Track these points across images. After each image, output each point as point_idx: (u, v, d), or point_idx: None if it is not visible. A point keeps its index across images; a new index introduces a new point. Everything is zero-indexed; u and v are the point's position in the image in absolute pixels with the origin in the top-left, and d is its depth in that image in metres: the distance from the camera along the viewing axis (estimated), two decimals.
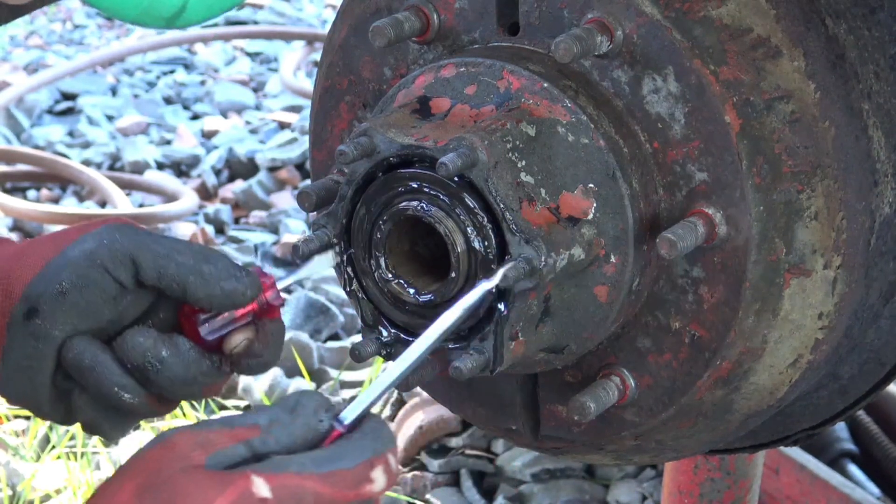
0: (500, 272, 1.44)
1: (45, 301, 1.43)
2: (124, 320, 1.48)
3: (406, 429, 3.34)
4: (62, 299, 1.43)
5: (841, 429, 3.16)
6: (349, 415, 1.29)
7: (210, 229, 4.63)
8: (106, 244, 1.43)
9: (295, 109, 5.65)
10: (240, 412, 1.38)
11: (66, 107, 5.73)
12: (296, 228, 4.57)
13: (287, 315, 3.88)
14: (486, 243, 1.50)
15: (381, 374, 1.37)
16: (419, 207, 1.51)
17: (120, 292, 1.45)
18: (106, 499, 1.22)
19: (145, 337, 1.43)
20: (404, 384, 1.53)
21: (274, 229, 4.64)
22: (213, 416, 3.37)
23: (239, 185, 4.97)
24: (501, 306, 1.50)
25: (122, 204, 4.64)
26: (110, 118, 5.61)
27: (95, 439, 3.26)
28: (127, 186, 4.87)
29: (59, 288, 1.43)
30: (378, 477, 1.26)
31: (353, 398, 1.37)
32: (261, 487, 1.20)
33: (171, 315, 1.49)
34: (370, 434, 1.28)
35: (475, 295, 1.44)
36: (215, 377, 1.47)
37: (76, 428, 3.22)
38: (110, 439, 1.53)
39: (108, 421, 1.49)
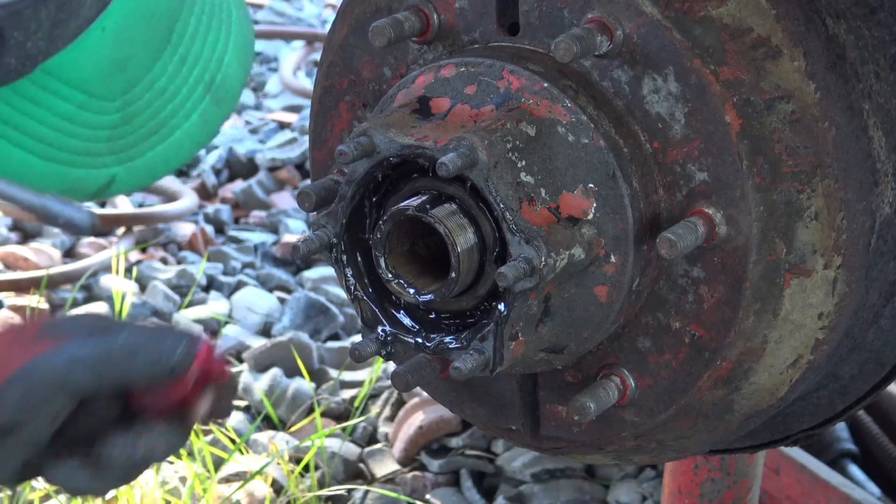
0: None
1: None
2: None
3: (406, 429, 3.34)
4: (6, 442, 1.44)
5: (841, 429, 3.16)
6: None
7: (210, 229, 4.63)
8: (36, 383, 1.43)
9: (295, 109, 5.65)
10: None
11: None
12: (296, 228, 4.57)
13: (287, 315, 3.88)
14: (486, 243, 1.51)
15: None
16: (419, 207, 1.51)
17: (60, 416, 1.45)
18: None
19: (118, 445, 1.45)
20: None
21: (274, 229, 4.64)
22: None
23: (239, 184, 4.97)
24: (501, 306, 1.50)
25: (122, 204, 4.64)
26: None
27: None
28: None
29: (3, 429, 1.43)
30: None
31: None
32: None
33: (106, 403, 1.50)
34: None
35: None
36: (186, 436, 1.49)
37: None
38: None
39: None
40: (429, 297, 1.53)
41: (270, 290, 4.11)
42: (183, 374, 1.45)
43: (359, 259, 1.59)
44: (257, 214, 4.77)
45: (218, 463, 3.20)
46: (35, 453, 1.45)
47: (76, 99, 1.33)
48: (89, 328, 1.48)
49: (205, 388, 1.48)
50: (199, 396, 1.48)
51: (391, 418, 3.46)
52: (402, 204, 1.52)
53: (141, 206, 4.82)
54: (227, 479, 3.18)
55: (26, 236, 4.60)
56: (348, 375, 3.62)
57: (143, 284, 4.16)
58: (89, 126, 1.22)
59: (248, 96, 5.84)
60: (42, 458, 1.45)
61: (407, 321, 1.59)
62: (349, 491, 3.19)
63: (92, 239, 4.53)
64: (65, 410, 1.44)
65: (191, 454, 3.22)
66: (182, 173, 5.13)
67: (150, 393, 1.47)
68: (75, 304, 4.04)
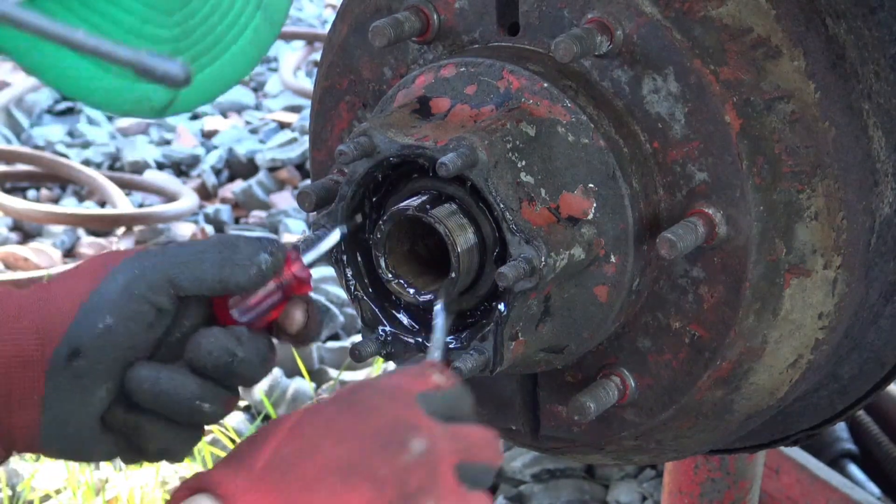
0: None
1: (88, 341, 1.44)
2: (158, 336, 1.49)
3: None
4: (106, 336, 1.44)
5: (841, 429, 3.16)
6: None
7: (210, 229, 4.63)
8: (138, 274, 1.45)
9: (295, 109, 5.65)
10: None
11: (65, 107, 5.72)
12: (296, 228, 4.57)
13: None
14: (486, 243, 1.51)
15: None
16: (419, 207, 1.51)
17: (159, 316, 1.46)
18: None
19: (212, 336, 1.45)
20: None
21: (274, 229, 4.64)
22: None
23: (239, 185, 4.97)
24: (501, 306, 1.50)
25: (122, 204, 4.64)
26: (110, 118, 5.61)
27: None
28: (127, 186, 4.87)
29: (102, 326, 1.44)
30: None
31: None
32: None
33: (198, 313, 1.50)
34: None
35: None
36: (274, 353, 1.49)
37: None
38: (179, 459, 1.53)
39: (181, 440, 1.49)
40: (429, 297, 1.53)
41: None
42: (275, 275, 1.46)
43: (359, 259, 1.59)
44: (257, 214, 4.77)
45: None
46: (134, 356, 1.45)
47: (139, 11, 1.34)
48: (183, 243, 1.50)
49: (292, 301, 1.49)
50: (289, 309, 1.49)
51: None
52: (402, 204, 1.52)
53: (141, 206, 4.83)
54: None
55: (26, 236, 4.60)
56: (348, 375, 3.62)
57: None
58: (152, 40, 1.24)
59: (248, 96, 5.84)
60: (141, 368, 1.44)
61: (407, 321, 1.59)
62: None
63: (92, 239, 4.53)
64: (166, 311, 1.45)
65: (191, 454, 3.22)
66: (182, 173, 5.13)
67: (241, 302, 1.48)
68: None
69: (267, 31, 1.32)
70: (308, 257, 1.52)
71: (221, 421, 1.52)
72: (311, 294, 1.51)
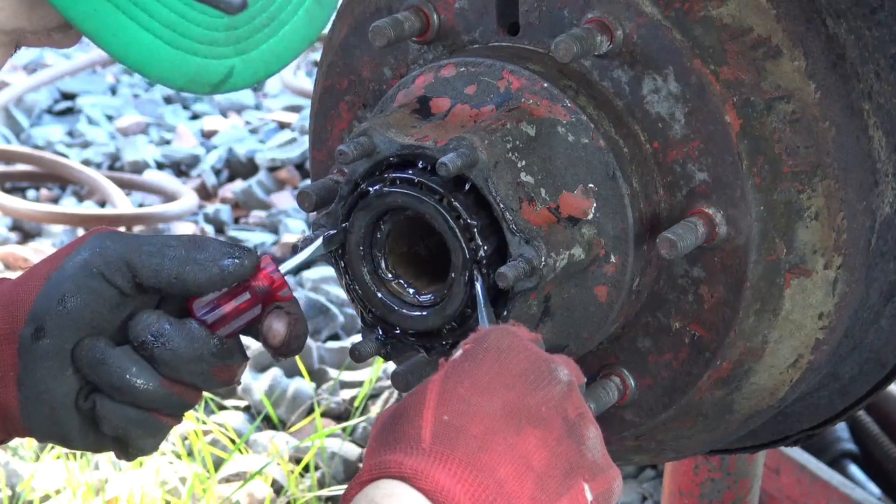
0: None
1: (49, 317, 1.44)
2: None
3: None
4: (65, 311, 1.44)
5: (841, 429, 3.16)
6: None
7: (210, 229, 4.63)
8: (98, 252, 1.45)
9: (295, 109, 5.65)
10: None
11: (65, 106, 5.72)
12: (296, 228, 4.57)
13: None
14: (487, 243, 1.50)
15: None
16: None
17: (121, 299, 1.46)
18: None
19: (149, 314, 1.45)
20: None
21: (274, 229, 4.64)
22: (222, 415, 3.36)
23: (239, 185, 4.97)
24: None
25: (122, 204, 4.63)
26: (110, 118, 5.60)
27: None
28: (126, 186, 4.87)
29: (60, 301, 1.44)
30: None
31: None
32: (588, 494, 1.29)
33: (171, 310, 1.49)
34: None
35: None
36: (224, 357, 1.47)
37: None
38: (143, 451, 1.51)
39: (135, 425, 1.47)
40: (428, 296, 1.53)
41: None
42: (239, 279, 1.46)
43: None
44: (257, 214, 4.77)
45: (218, 463, 3.20)
46: (93, 331, 1.45)
47: None
48: (154, 235, 1.51)
49: (274, 313, 1.49)
50: (270, 321, 1.48)
51: None
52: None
53: (141, 206, 4.82)
54: (227, 479, 3.18)
55: (26, 236, 4.60)
56: (348, 375, 3.62)
57: None
58: (208, 13, 1.25)
59: (248, 96, 5.84)
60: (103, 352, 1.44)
61: None
62: None
63: None
64: (128, 294, 1.45)
65: (191, 454, 3.22)
66: (182, 173, 5.13)
67: (207, 301, 1.48)
68: None
69: (318, 13, 1.34)
70: (285, 266, 1.51)
71: (221, 421, 1.52)
72: (300, 298, 1.51)
